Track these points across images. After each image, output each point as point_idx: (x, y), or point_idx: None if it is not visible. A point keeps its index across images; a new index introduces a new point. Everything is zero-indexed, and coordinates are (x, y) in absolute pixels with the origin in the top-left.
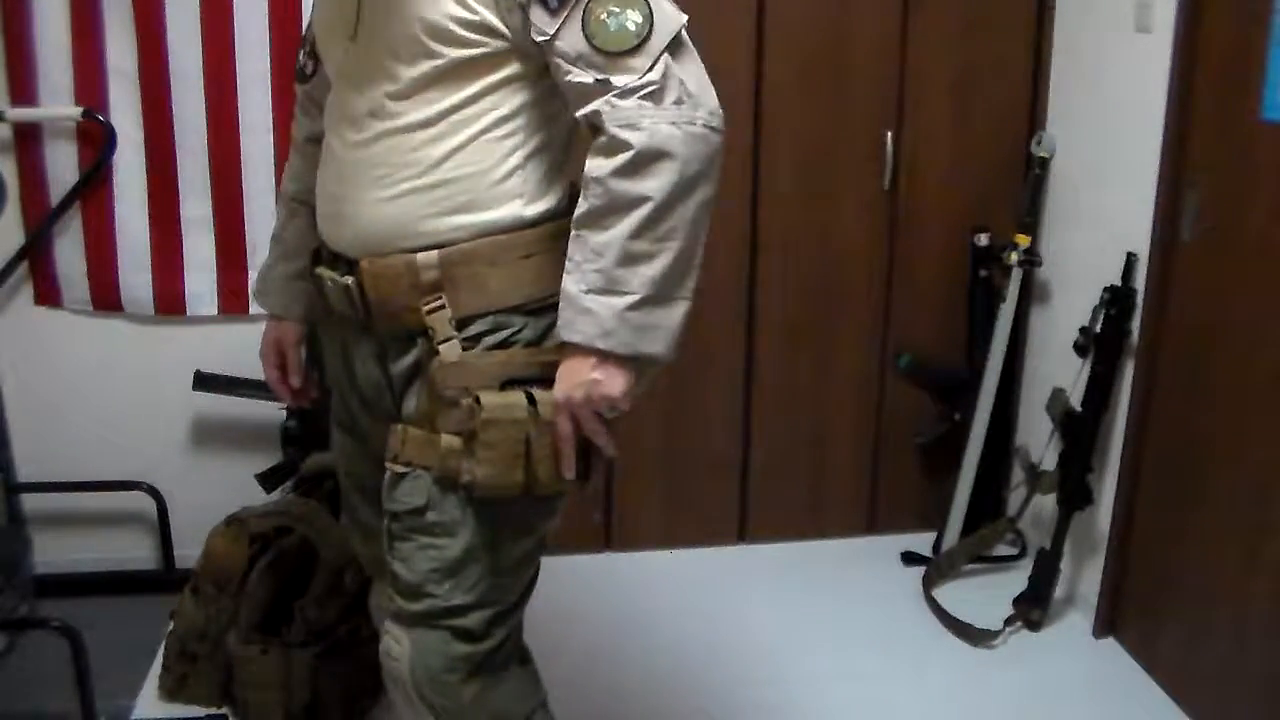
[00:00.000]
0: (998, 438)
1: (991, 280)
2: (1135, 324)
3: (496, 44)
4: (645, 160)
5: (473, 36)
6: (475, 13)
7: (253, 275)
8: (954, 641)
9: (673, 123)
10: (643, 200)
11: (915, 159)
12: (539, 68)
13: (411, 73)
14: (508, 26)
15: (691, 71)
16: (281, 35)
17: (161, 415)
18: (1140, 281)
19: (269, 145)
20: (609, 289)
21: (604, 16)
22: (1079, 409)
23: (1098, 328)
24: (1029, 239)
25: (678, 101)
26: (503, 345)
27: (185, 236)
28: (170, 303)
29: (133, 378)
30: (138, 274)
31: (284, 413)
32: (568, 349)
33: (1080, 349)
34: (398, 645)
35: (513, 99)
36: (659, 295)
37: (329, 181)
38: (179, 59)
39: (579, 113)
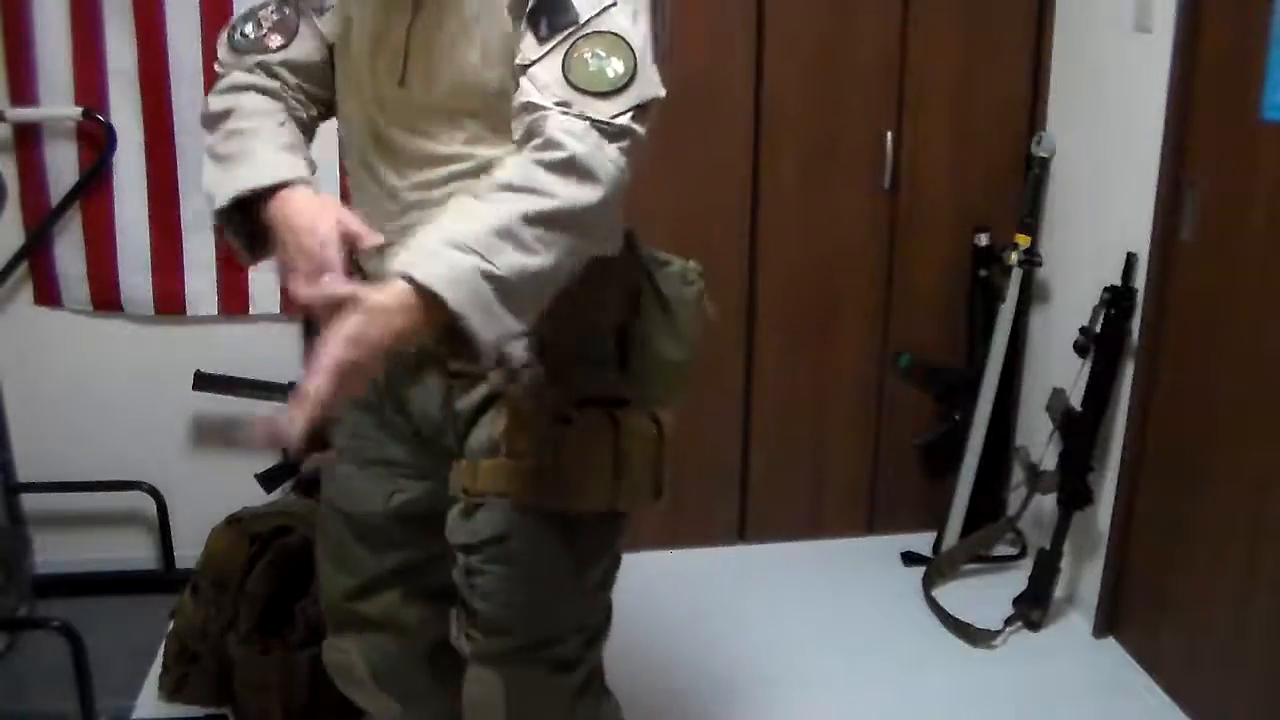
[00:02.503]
0: (998, 438)
1: (991, 280)
2: (1135, 324)
3: None
4: (573, 168)
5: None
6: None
7: (253, 275)
8: (954, 641)
9: (613, 161)
10: (550, 196)
11: (915, 159)
12: None
13: (477, 120)
14: None
15: (641, 139)
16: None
17: (161, 415)
18: (1140, 281)
19: None
20: (473, 250)
21: (587, 55)
22: (1079, 409)
23: (1098, 328)
24: (1029, 239)
25: (625, 153)
26: (578, 367)
27: (185, 236)
28: (170, 303)
29: (133, 378)
30: (138, 274)
31: (284, 413)
32: (399, 277)
33: (1080, 349)
34: (487, 688)
35: None
36: (508, 289)
37: (377, 218)
38: (179, 59)
39: (522, 117)
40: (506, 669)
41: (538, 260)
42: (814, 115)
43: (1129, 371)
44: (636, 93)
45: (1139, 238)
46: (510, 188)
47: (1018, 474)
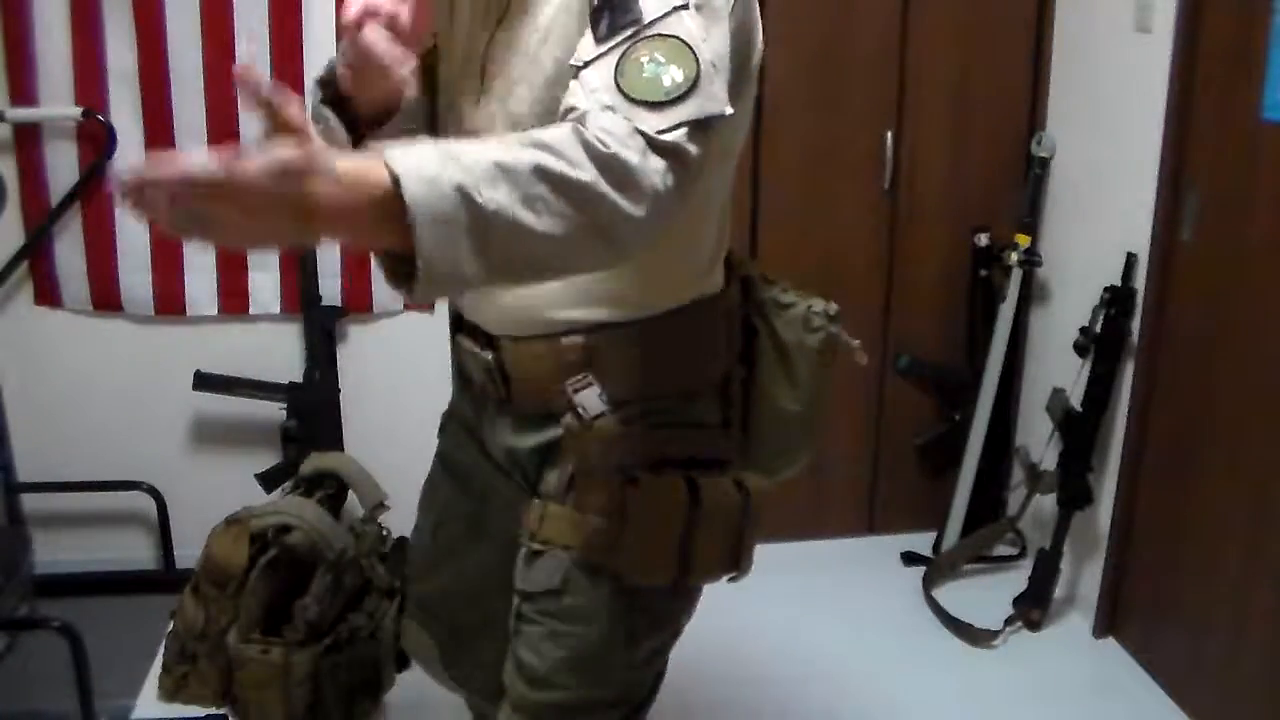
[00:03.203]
0: (998, 438)
1: (991, 280)
2: (1135, 324)
3: None
4: (614, 168)
5: None
6: None
7: (253, 275)
8: (954, 641)
9: (659, 180)
10: (580, 169)
11: (915, 159)
12: None
13: None
14: None
15: (698, 159)
16: (281, 35)
17: (161, 415)
18: (1140, 281)
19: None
20: (468, 169)
21: (644, 59)
22: (1079, 409)
23: (1098, 328)
24: (1029, 239)
25: (672, 173)
26: (657, 424)
27: None
28: (170, 303)
29: (133, 378)
30: (138, 274)
31: (284, 413)
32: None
33: (1080, 349)
34: None
35: None
36: (484, 230)
37: None
38: (179, 59)
39: (572, 100)
40: None
41: (529, 217)
42: (814, 115)
43: (1129, 371)
44: (695, 106)
45: (1139, 238)
46: (539, 143)
47: (1018, 474)
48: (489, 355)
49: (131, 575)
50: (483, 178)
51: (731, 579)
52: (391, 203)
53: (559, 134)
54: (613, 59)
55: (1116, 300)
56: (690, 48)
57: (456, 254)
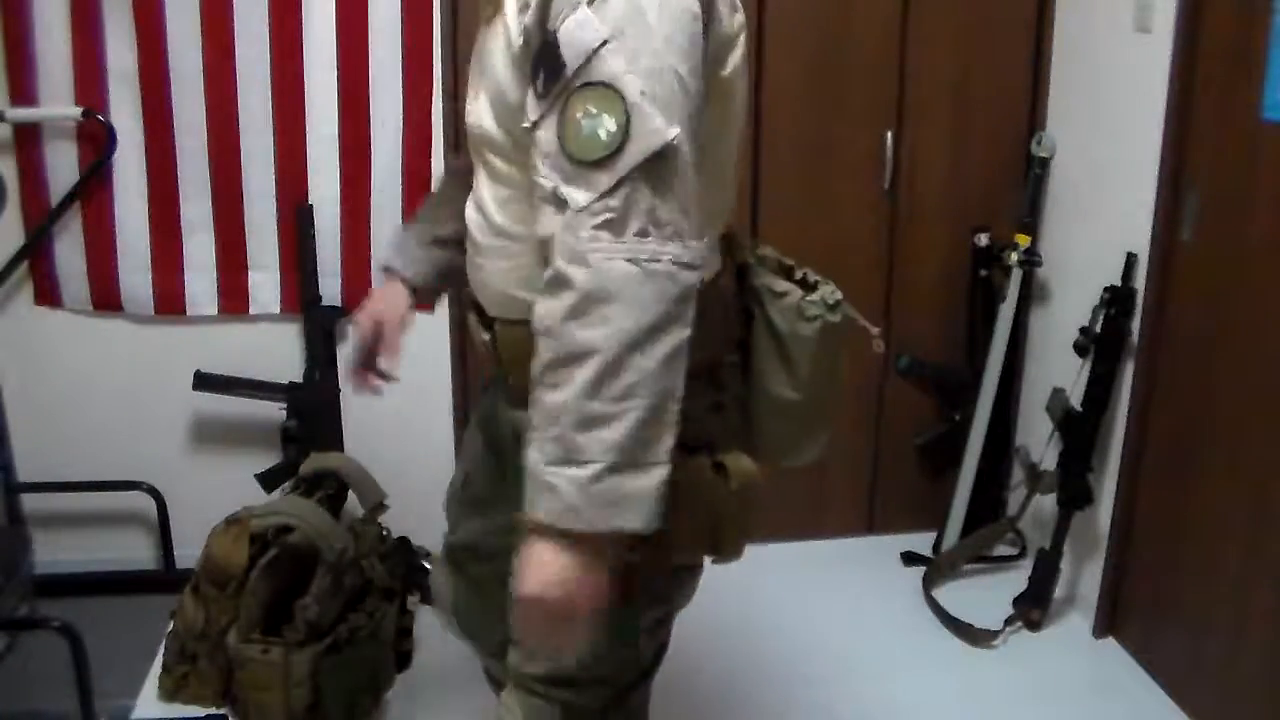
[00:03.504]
0: (998, 438)
1: (991, 280)
2: (1135, 324)
3: None
4: (591, 303)
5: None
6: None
7: (253, 275)
8: (954, 641)
9: (630, 259)
10: (590, 353)
11: (915, 159)
12: None
13: (500, 140)
14: None
15: (670, 197)
16: (281, 35)
17: (161, 415)
18: (1140, 281)
19: (269, 145)
20: (569, 459)
21: (580, 116)
22: (1079, 409)
23: (1098, 328)
24: (1029, 239)
25: (641, 233)
26: None
27: (185, 236)
28: (170, 303)
29: (133, 378)
30: (138, 274)
31: (284, 413)
32: (532, 529)
33: (1080, 349)
34: (510, 716)
35: None
36: (626, 462)
37: (473, 229)
38: (179, 59)
39: (539, 233)
40: (529, 698)
41: (631, 417)
42: (814, 115)
43: (1129, 371)
44: (635, 150)
45: (1139, 238)
46: (554, 365)
47: (1018, 474)
48: (487, 336)
49: (131, 575)
50: (576, 453)
51: (718, 561)
52: (588, 540)
53: (545, 348)
54: (554, 119)
55: (1116, 300)
56: (615, 89)
57: (643, 505)
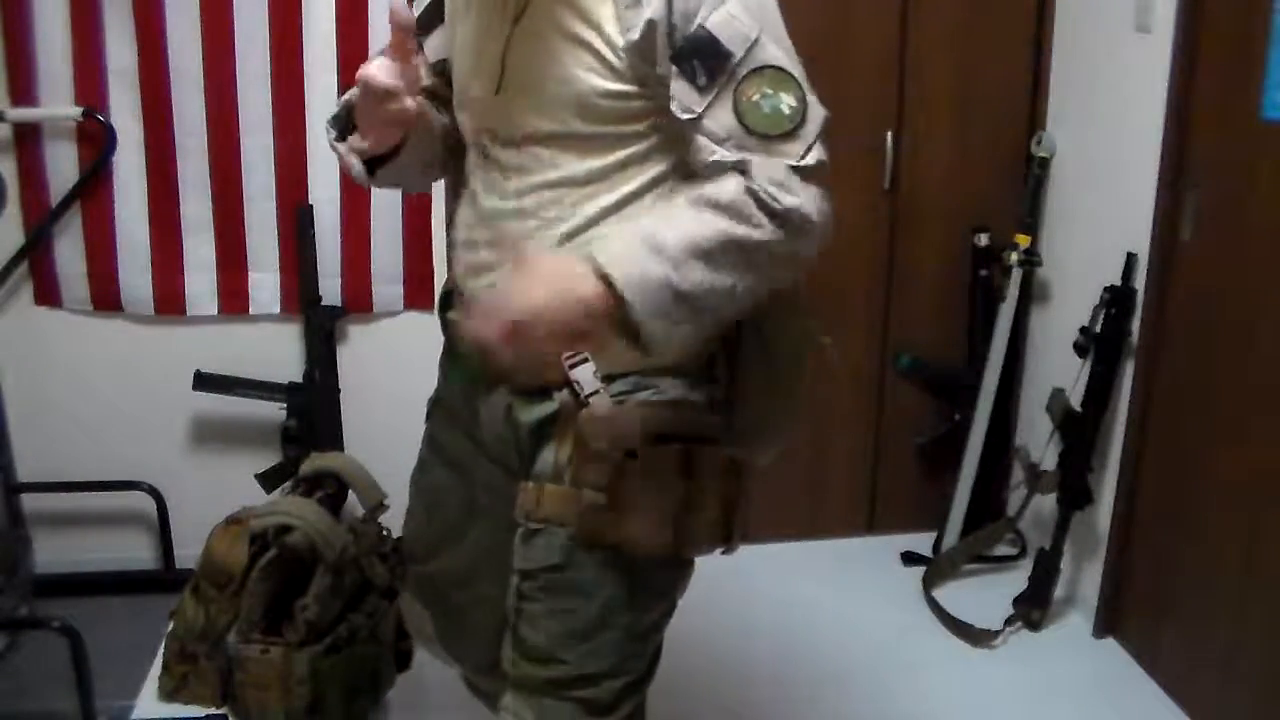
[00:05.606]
0: (998, 438)
1: (991, 280)
2: (1135, 324)
3: (646, 104)
4: (790, 221)
5: (623, 105)
6: (625, 82)
7: (253, 275)
8: (954, 641)
9: (823, 205)
10: (759, 228)
11: (915, 159)
12: None
13: (564, 130)
14: (656, 95)
15: (828, 174)
16: (281, 34)
17: (161, 415)
18: (1140, 281)
19: (269, 145)
20: (668, 257)
21: (756, 97)
22: (1079, 409)
23: (1098, 328)
24: (1029, 239)
25: (825, 187)
26: (649, 401)
27: (185, 236)
28: (170, 303)
29: (133, 378)
30: (138, 274)
31: (284, 413)
32: (581, 263)
33: (1080, 349)
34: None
35: (669, 156)
36: (693, 304)
37: (471, 228)
38: (179, 59)
39: (713, 159)
40: (538, 701)
41: (726, 281)
42: None
43: (1129, 371)
44: (815, 122)
45: (1139, 238)
46: (718, 205)
47: (1018, 474)
48: None
49: (131, 575)
50: (683, 262)
51: (724, 552)
52: (621, 313)
53: (733, 194)
54: (726, 103)
55: (1116, 300)
56: (787, 72)
57: (672, 330)
